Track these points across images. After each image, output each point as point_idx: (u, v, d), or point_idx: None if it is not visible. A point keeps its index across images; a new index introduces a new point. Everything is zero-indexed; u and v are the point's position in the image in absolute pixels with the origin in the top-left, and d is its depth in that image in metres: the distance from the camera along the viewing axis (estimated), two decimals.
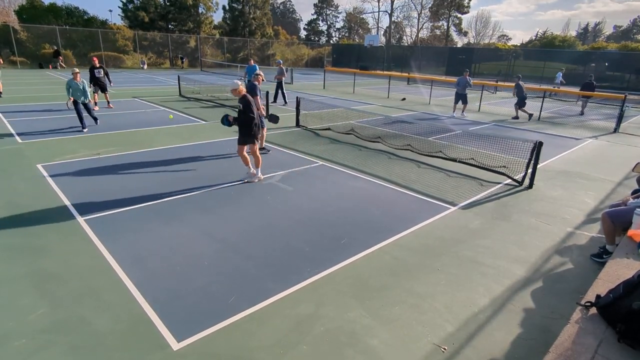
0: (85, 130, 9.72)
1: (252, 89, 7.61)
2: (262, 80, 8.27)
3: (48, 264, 3.95)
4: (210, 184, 6.34)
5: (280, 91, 15.66)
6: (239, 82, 6.17)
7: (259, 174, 6.59)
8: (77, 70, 9.55)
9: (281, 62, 16.96)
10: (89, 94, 9.81)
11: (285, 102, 15.58)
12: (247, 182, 6.45)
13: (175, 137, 9.50)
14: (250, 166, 6.53)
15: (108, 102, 13.24)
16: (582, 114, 17.29)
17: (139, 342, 2.98)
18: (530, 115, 14.57)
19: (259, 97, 7.79)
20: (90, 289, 3.59)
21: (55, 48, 30.31)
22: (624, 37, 66.33)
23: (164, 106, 14.05)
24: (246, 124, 6.19)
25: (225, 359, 2.87)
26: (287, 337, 3.10)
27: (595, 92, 16.34)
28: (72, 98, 9.50)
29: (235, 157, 8.03)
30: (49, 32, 31.27)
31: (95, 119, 10.37)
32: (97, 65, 12.67)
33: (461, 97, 14.31)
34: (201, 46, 40.22)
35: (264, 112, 8.22)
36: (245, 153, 6.38)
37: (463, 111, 14.71)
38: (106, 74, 12.75)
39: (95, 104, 12.70)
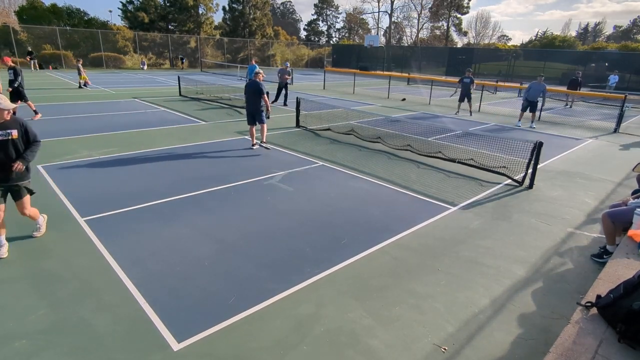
0: None
1: (259, 87, 8.31)
2: (262, 77, 8.59)
3: (48, 264, 3.95)
4: (210, 184, 6.34)
5: (284, 91, 15.69)
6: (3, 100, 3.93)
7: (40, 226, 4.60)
8: None
9: (288, 64, 16.72)
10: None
11: (286, 104, 15.57)
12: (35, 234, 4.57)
13: (175, 137, 9.50)
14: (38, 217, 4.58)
15: (15, 113, 10.35)
16: (566, 105, 18.89)
17: (139, 343, 2.97)
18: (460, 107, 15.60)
19: (265, 94, 8.48)
20: (90, 289, 3.59)
21: (30, 49, 29.42)
22: (624, 37, 66.38)
23: (164, 107, 14.06)
24: None
25: (226, 359, 2.87)
26: (288, 338, 3.10)
27: (581, 90, 17.12)
28: None
29: (235, 157, 8.05)
30: (49, 33, 31.33)
31: None
32: (10, 64, 10.26)
33: (531, 105, 12.55)
34: (201, 47, 40.25)
35: (270, 110, 8.76)
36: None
37: (533, 121, 13.13)
38: (15, 75, 10.23)
39: (35, 112, 10.85)
